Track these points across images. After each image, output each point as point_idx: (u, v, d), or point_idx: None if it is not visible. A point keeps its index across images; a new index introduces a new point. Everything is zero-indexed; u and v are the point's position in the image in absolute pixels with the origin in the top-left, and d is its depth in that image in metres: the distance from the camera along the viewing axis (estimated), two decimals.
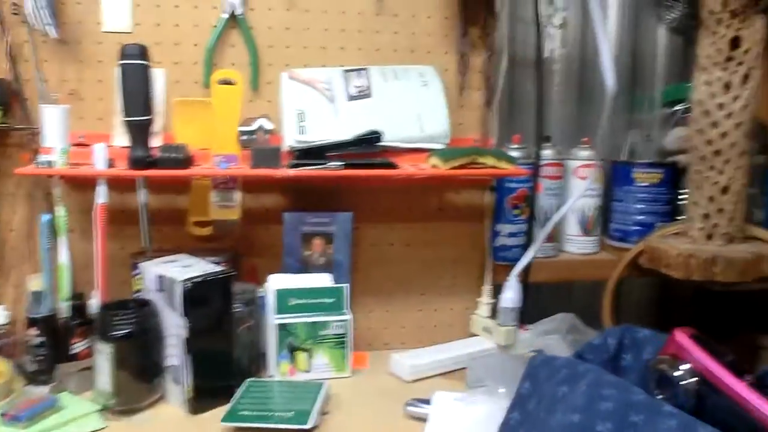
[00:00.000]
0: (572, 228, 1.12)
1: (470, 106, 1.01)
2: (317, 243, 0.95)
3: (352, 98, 0.92)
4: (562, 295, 1.22)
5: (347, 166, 0.83)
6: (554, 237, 1.09)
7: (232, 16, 0.91)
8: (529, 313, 0.99)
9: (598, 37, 0.89)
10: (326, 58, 0.96)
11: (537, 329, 0.91)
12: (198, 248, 0.88)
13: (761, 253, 0.89)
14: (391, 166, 0.85)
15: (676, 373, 0.43)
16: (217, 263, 0.84)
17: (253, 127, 0.91)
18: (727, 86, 0.88)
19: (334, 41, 0.96)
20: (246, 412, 0.72)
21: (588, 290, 1.18)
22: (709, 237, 0.93)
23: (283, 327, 0.85)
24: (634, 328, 0.53)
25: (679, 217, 1.10)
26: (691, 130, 0.93)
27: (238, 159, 0.83)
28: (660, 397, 0.44)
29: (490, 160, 0.87)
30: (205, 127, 0.86)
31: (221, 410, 0.73)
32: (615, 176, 1.13)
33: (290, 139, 0.88)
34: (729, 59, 0.88)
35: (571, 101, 1.19)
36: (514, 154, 1.02)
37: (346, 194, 0.97)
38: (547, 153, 1.07)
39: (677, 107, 1.15)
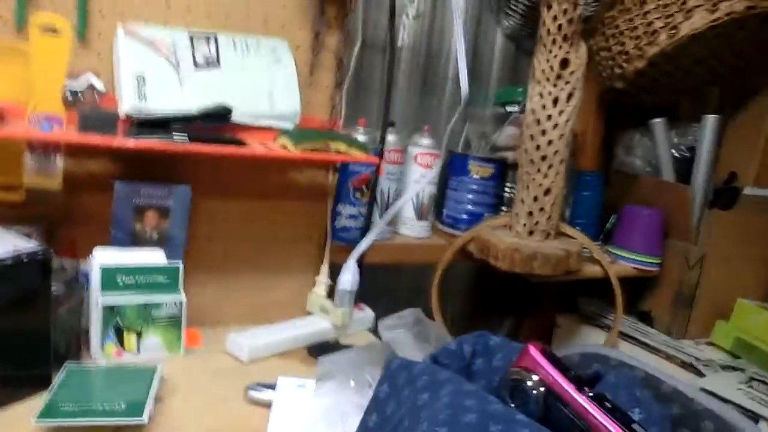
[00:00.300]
0: (408, 212, 1.17)
1: (319, 86, 1.00)
2: (150, 216, 0.88)
3: (199, 67, 0.86)
4: (394, 276, 1.29)
5: (193, 140, 0.77)
6: (392, 221, 1.14)
7: None
8: (363, 293, 1.03)
9: (458, 47, 0.93)
10: (169, 16, 0.88)
11: (384, 323, 0.94)
12: (2, 215, 0.77)
13: (570, 250, 1.01)
14: (240, 143, 0.82)
15: (528, 383, 0.48)
16: (28, 235, 0.74)
17: (80, 84, 0.81)
18: (556, 101, 0.97)
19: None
20: (67, 407, 0.64)
21: (418, 271, 1.25)
22: (531, 233, 1.03)
23: (109, 308, 0.78)
24: (487, 335, 0.57)
25: (503, 209, 1.21)
26: (524, 134, 1.02)
27: (63, 121, 0.73)
28: (513, 405, 0.49)
29: (341, 146, 0.87)
30: (17, 77, 0.74)
31: (37, 402, 0.64)
32: (451, 166, 1.20)
33: (128, 104, 0.79)
34: (558, 77, 0.97)
35: (414, 89, 1.23)
36: (360, 137, 1.04)
37: (183, 165, 0.90)
38: (390, 139, 1.10)
39: (509, 108, 1.24)
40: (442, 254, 1.15)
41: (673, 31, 1.03)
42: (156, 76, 0.82)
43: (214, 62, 0.87)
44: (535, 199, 1.02)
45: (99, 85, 0.81)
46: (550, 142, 0.99)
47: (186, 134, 0.78)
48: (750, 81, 1.21)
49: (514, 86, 1.30)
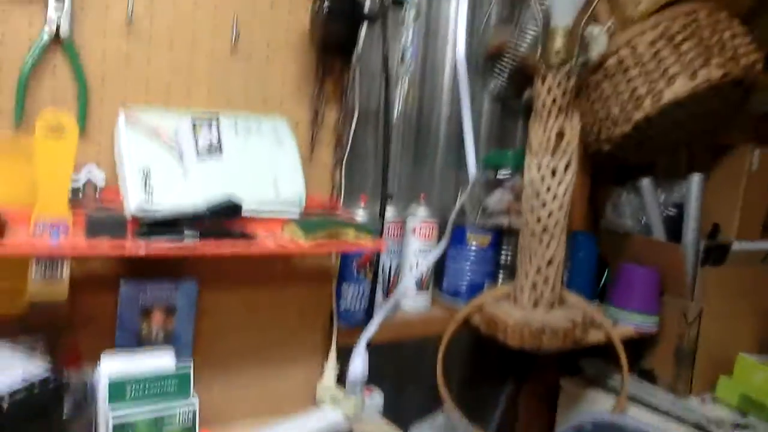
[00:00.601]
0: (409, 284, 1.15)
1: (319, 164, 0.99)
2: (157, 315, 0.84)
3: (201, 155, 0.83)
4: (395, 350, 1.25)
5: (204, 237, 0.74)
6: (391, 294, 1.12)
7: (56, 37, 0.76)
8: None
9: (465, 128, 0.94)
10: (170, 99, 0.86)
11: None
12: (5, 326, 0.71)
13: (575, 320, 1.01)
14: (250, 238, 0.79)
15: None
16: (33, 348, 0.69)
17: (80, 177, 0.77)
18: (554, 172, 0.99)
19: (179, 80, 0.86)
20: None
21: (418, 342, 1.22)
22: (536, 304, 1.03)
23: (120, 426, 0.73)
24: None
25: (501, 274, 1.20)
26: (523, 206, 1.03)
27: (68, 226, 0.69)
28: None
29: (351, 234, 0.85)
30: (18, 177, 0.71)
31: None
32: (450, 236, 1.19)
33: (135, 202, 0.76)
34: (556, 148, 0.99)
35: (406, 157, 1.22)
36: (360, 213, 1.03)
37: (188, 258, 0.87)
38: (388, 212, 1.09)
39: (500, 172, 1.25)
40: (443, 326, 1.13)
41: (656, 97, 1.07)
42: (161, 168, 0.79)
43: (216, 149, 0.85)
44: (538, 270, 1.02)
45: (100, 177, 0.78)
46: (550, 214, 1.00)
47: (197, 232, 0.74)
48: (723, 138, 1.27)
49: (502, 148, 1.32)
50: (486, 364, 1.40)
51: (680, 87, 1.05)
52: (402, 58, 1.06)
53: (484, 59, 1.27)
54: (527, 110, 1.29)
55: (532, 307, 1.03)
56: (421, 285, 1.16)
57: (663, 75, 1.06)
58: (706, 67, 1.04)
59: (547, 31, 0.98)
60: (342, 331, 1.01)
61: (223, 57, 0.89)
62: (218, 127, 0.86)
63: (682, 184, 1.21)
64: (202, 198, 0.80)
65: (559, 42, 0.96)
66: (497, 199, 1.25)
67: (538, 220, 1.00)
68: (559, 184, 0.99)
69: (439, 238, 1.18)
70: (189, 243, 0.73)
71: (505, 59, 1.24)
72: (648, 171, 1.28)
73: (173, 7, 0.84)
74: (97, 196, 0.79)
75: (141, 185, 0.77)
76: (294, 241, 0.81)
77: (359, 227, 0.87)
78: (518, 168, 1.21)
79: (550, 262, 1.01)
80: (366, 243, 0.86)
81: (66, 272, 0.73)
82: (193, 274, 0.86)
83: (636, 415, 1.13)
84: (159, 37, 0.84)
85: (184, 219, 0.75)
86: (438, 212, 1.17)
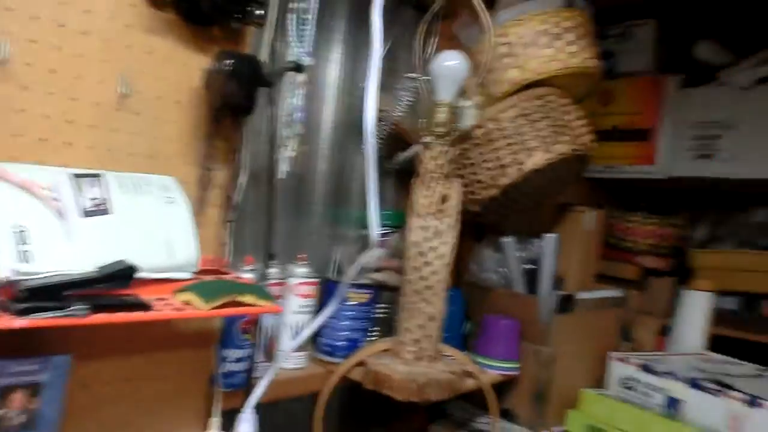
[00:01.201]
0: (286, 344, 1.13)
1: (208, 224, 0.95)
2: (18, 398, 0.73)
3: (87, 214, 0.76)
4: (270, 408, 1.21)
5: (95, 310, 0.67)
6: (272, 354, 1.09)
7: None
8: None
9: (369, 192, 0.97)
10: (45, 153, 0.78)
11: None
12: None
13: (455, 371, 1.07)
14: (146, 306, 0.73)
15: None
16: None
17: None
18: (438, 233, 1.05)
19: (59, 132, 0.78)
20: None
21: (292, 403, 1.20)
22: (419, 358, 1.07)
23: None
24: None
25: (376, 330, 1.23)
26: (407, 266, 1.07)
27: None
28: None
29: (249, 298, 0.83)
30: None
31: None
32: (329, 294, 1.20)
33: (7, 268, 0.66)
34: (440, 211, 1.05)
35: (286, 216, 1.22)
36: (246, 274, 1.00)
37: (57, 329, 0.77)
38: (272, 271, 1.07)
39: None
40: (322, 383, 1.13)
41: (520, 166, 1.19)
42: (39, 229, 0.71)
43: (103, 208, 0.78)
44: (421, 326, 1.07)
45: None
46: (434, 272, 1.06)
47: (86, 301, 0.67)
48: (566, 198, 1.45)
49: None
50: (353, 414, 1.41)
51: (539, 158, 1.19)
52: (290, 120, 1.07)
53: (360, 123, 1.33)
54: (398, 171, 1.37)
55: (414, 361, 1.07)
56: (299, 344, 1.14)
57: (524, 147, 1.19)
58: (558, 143, 1.19)
59: (428, 105, 1.06)
60: (225, 395, 0.97)
61: (108, 110, 0.82)
62: (105, 185, 0.79)
63: (535, 242, 1.35)
64: (90, 262, 0.72)
65: (442, 115, 1.04)
66: (372, 256, 1.29)
67: (422, 278, 1.05)
68: (443, 244, 1.05)
69: (319, 297, 1.18)
70: (78, 314, 0.65)
71: (380, 124, 1.30)
72: (500, 229, 1.41)
73: (57, 51, 0.77)
74: None
75: (14, 248, 0.68)
76: (193, 306, 0.76)
77: (257, 291, 0.85)
78: (393, 226, 1.27)
79: (432, 318, 1.06)
80: (265, 306, 0.84)
81: None
82: (65, 346, 0.77)
83: None
84: (37, 82, 0.76)
85: (72, 286, 0.67)
86: (317, 271, 1.17)
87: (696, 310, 1.53)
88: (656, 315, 1.66)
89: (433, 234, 1.05)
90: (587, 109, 1.35)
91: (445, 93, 1.05)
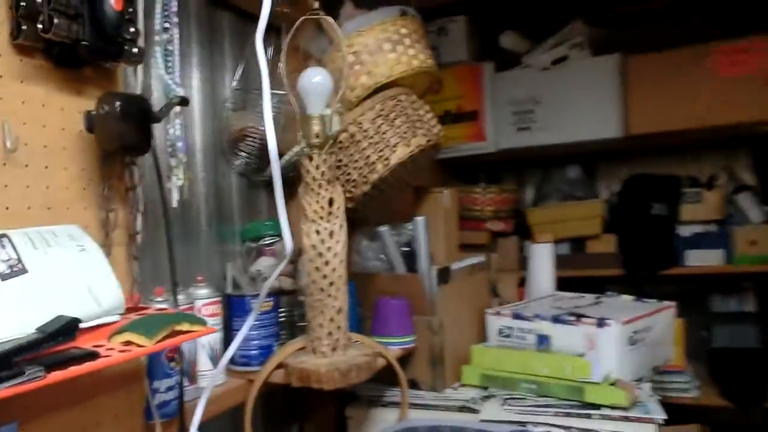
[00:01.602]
0: (204, 364, 1.17)
1: (116, 263, 0.96)
2: None
3: (3, 278, 0.75)
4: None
5: (49, 370, 0.68)
6: (194, 377, 1.13)
7: None
8: None
9: (279, 208, 1.03)
10: None
11: None
12: None
13: (368, 353, 1.19)
14: (94, 355, 0.75)
15: None
16: None
17: None
18: (332, 234, 1.16)
19: None
20: None
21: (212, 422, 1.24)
22: (334, 349, 1.17)
23: None
24: None
25: (283, 333, 1.31)
26: (308, 267, 1.17)
27: None
28: None
29: (186, 326, 0.87)
30: None
31: None
32: (233, 308, 1.25)
33: None
34: (330, 214, 1.16)
35: (180, 243, 1.24)
36: (159, 305, 1.03)
37: None
38: (180, 298, 1.10)
39: (262, 241, 1.37)
40: (244, 395, 1.18)
41: (386, 161, 1.34)
42: None
43: (19, 268, 0.77)
44: (332, 319, 1.17)
45: None
46: (334, 269, 1.16)
47: (37, 364, 0.68)
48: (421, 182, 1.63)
49: (252, 218, 1.44)
50: (269, 414, 1.47)
51: (401, 152, 1.34)
52: (173, 151, 1.10)
53: (227, 141, 1.39)
54: (268, 183, 1.44)
55: (332, 353, 1.17)
56: (215, 361, 1.19)
57: (387, 144, 1.34)
58: (416, 137, 1.36)
59: (302, 118, 1.15)
60: (163, 425, 0.99)
61: None
62: (12, 244, 0.79)
63: (407, 226, 1.51)
64: (19, 324, 0.72)
65: (316, 126, 1.14)
66: (266, 265, 1.36)
67: (324, 276, 1.16)
68: (337, 242, 1.16)
69: (224, 314, 1.23)
70: (37, 377, 0.66)
71: (249, 140, 1.37)
72: (373, 221, 1.56)
73: None
74: None
75: None
76: (136, 345, 0.79)
77: (189, 318, 0.89)
78: (278, 235, 1.35)
79: (339, 311, 1.17)
80: (201, 330, 0.89)
81: None
82: (8, 413, 0.76)
83: (415, 415, 1.37)
84: None
85: (19, 350, 0.68)
86: (216, 289, 1.22)
87: (542, 260, 1.81)
88: (512, 270, 1.93)
89: (328, 235, 1.15)
90: (424, 100, 1.54)
91: (316, 106, 1.15)
